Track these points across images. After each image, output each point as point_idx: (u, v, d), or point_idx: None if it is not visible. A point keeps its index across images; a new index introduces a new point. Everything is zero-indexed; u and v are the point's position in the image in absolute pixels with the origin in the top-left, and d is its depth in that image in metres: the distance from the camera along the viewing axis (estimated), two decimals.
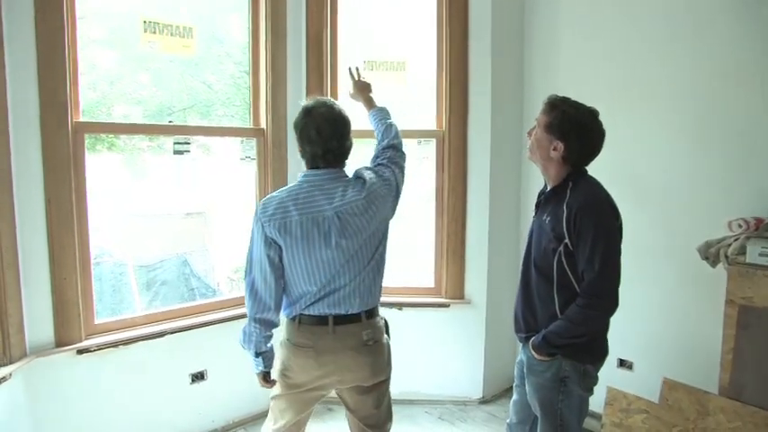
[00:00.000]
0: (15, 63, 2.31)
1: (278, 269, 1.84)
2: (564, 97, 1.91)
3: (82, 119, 2.57)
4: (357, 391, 1.96)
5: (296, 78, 3.21)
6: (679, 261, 2.77)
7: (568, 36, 3.20)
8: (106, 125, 2.97)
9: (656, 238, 2.88)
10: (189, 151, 2.89)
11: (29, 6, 2.33)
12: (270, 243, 1.82)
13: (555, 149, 1.86)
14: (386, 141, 2.09)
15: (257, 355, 1.91)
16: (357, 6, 3.43)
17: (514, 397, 2.16)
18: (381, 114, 2.20)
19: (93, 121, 2.80)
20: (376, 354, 1.92)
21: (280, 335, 1.97)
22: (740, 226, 2.39)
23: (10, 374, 2.29)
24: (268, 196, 1.89)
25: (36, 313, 2.45)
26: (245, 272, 1.90)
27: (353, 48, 3.35)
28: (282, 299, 1.90)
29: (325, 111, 1.84)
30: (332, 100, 1.92)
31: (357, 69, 2.38)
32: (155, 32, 2.71)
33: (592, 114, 1.87)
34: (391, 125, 2.14)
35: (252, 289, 1.87)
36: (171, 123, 2.97)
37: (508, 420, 2.23)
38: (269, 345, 1.94)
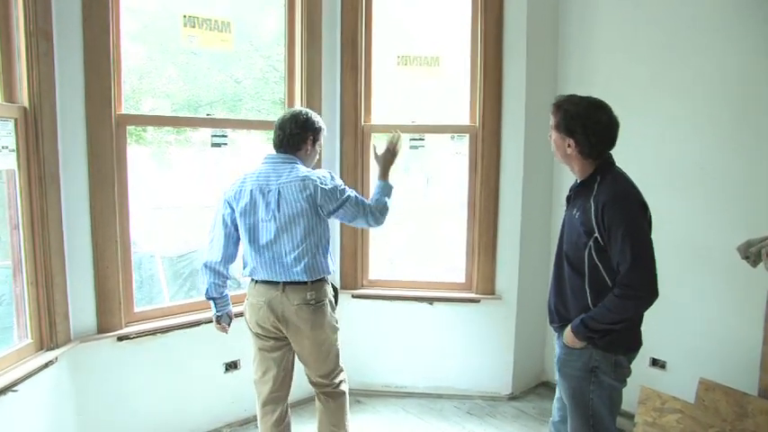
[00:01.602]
0: (63, 56, 2.37)
1: (227, 227, 2.32)
2: (568, 96, 1.95)
3: (124, 111, 2.62)
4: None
5: (330, 76, 3.24)
6: (718, 260, 2.73)
7: (603, 35, 3.16)
8: (148, 117, 3.02)
9: (695, 236, 2.85)
10: (226, 144, 2.94)
11: (77, 1, 2.38)
12: (226, 205, 2.31)
13: (569, 146, 1.91)
14: (372, 201, 2.37)
15: (208, 298, 2.40)
16: (391, 3, 3.44)
17: (557, 394, 2.16)
18: (386, 190, 2.42)
19: (135, 113, 2.84)
20: (317, 312, 2.27)
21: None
22: None
23: (56, 358, 2.37)
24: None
25: (80, 301, 2.53)
26: (209, 231, 2.40)
27: (388, 44, 3.36)
28: (229, 256, 2.36)
29: (293, 112, 2.35)
30: (308, 111, 2.36)
31: (399, 137, 2.49)
32: (194, 26, 2.76)
33: (593, 106, 1.90)
34: (386, 203, 2.39)
35: (209, 243, 2.37)
36: (209, 116, 3.00)
37: (551, 419, 2.24)
38: (221, 293, 2.40)
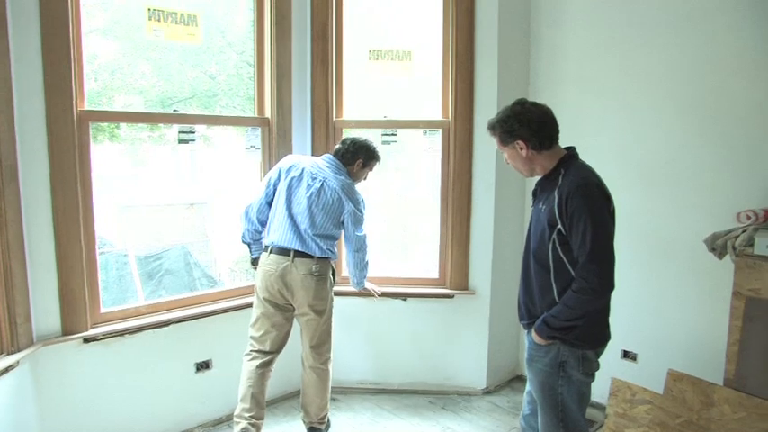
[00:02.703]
0: (20, 52, 2.29)
1: (268, 189, 2.74)
2: (494, 116, 2.01)
3: (86, 107, 2.56)
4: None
5: (301, 68, 3.19)
6: (685, 253, 2.77)
7: (574, 29, 3.18)
8: (111, 114, 2.94)
9: (662, 229, 2.89)
10: (194, 140, 2.88)
11: None
12: (278, 172, 2.74)
13: (521, 149, 1.94)
14: (362, 260, 2.88)
15: (244, 242, 2.87)
16: None
17: (527, 388, 2.17)
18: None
19: (98, 109, 2.77)
20: (319, 283, 2.65)
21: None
22: (749, 217, 2.39)
23: (17, 362, 2.30)
24: None
25: (43, 302, 2.46)
26: (254, 190, 2.85)
27: (359, 38, 3.33)
28: (263, 210, 2.75)
29: (361, 138, 2.82)
30: (371, 144, 2.82)
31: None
32: (159, 20, 2.69)
33: (517, 104, 1.96)
34: (366, 264, 2.91)
35: (253, 197, 2.79)
36: (176, 112, 2.94)
37: (522, 412, 2.24)
38: (255, 239, 2.83)
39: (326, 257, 2.68)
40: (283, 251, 2.63)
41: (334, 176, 2.70)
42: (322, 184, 2.67)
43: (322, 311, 2.70)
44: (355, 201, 2.72)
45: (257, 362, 2.68)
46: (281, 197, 2.69)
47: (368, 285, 3.00)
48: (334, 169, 2.73)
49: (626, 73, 2.96)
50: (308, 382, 2.79)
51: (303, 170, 2.70)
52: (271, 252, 2.66)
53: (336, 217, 2.69)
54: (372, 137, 2.96)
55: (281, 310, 2.70)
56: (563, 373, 1.92)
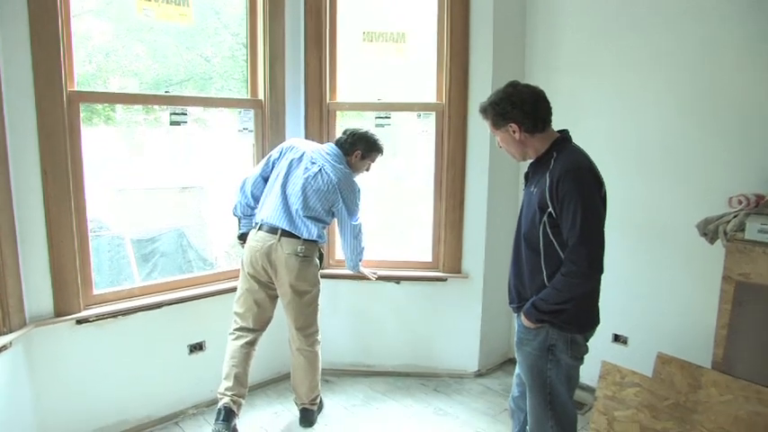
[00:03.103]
0: (7, 32, 2.26)
1: (267, 167, 2.80)
2: (486, 99, 1.98)
3: (77, 89, 2.53)
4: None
5: (294, 49, 3.16)
6: (677, 237, 2.78)
7: (569, 12, 3.15)
8: (101, 95, 2.92)
9: (654, 214, 2.89)
10: (186, 122, 2.86)
11: None
12: (279, 151, 2.79)
13: (514, 132, 1.92)
14: (358, 247, 2.91)
15: (235, 215, 2.90)
16: None
17: (517, 370, 2.18)
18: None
19: (88, 90, 2.75)
20: (303, 264, 2.67)
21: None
22: (740, 202, 2.39)
23: (10, 343, 2.31)
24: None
25: (35, 284, 2.46)
26: (254, 166, 2.96)
27: (353, 20, 3.29)
28: (258, 185, 2.79)
29: (367, 131, 2.84)
30: (376, 138, 2.84)
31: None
32: (149, 0, 2.65)
33: (510, 86, 1.94)
34: (361, 249, 2.94)
35: (252, 172, 2.84)
36: (167, 94, 2.91)
37: (511, 393, 2.27)
38: (246, 213, 2.84)
39: (314, 241, 2.70)
40: (272, 229, 2.66)
41: (333, 165, 2.72)
42: (320, 170, 2.70)
43: (302, 293, 2.71)
44: (350, 192, 2.75)
45: (241, 341, 2.74)
46: (279, 176, 2.72)
47: (363, 269, 3.01)
48: (334, 158, 2.75)
49: (622, 59, 2.94)
50: (296, 364, 2.83)
51: (304, 153, 2.73)
52: (259, 229, 2.70)
53: (328, 204, 2.72)
54: (366, 120, 2.95)
55: (264, 287, 2.74)
56: (552, 357, 1.94)
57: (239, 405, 2.71)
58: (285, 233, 2.65)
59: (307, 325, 2.78)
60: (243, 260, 2.76)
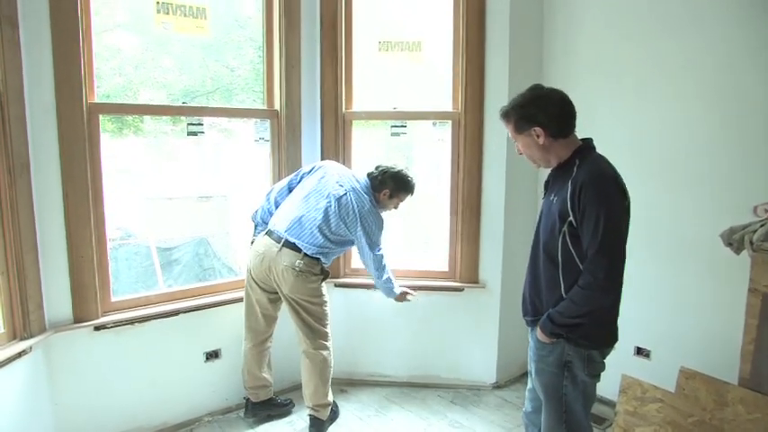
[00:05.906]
0: (31, 44, 2.34)
1: (293, 181, 2.87)
2: (507, 103, 1.93)
3: (97, 100, 2.60)
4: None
5: (310, 59, 3.18)
6: (702, 248, 2.67)
7: (588, 18, 3.08)
8: (120, 106, 2.99)
9: (678, 224, 2.79)
10: (203, 132, 2.90)
11: None
12: (311, 167, 2.86)
13: (538, 136, 1.84)
14: (385, 273, 2.92)
15: (253, 220, 2.94)
16: None
17: (529, 385, 2.12)
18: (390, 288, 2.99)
19: (108, 102, 2.82)
20: (299, 279, 2.66)
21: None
22: (766, 211, 2.29)
23: (30, 348, 2.37)
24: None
25: (54, 291, 2.52)
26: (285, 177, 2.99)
27: (369, 29, 3.30)
28: (282, 196, 2.85)
29: (400, 169, 2.85)
30: (408, 175, 2.87)
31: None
32: (168, 13, 2.72)
33: (533, 89, 1.90)
34: (387, 279, 2.94)
35: (280, 182, 2.92)
36: (184, 105, 2.97)
37: (524, 409, 2.21)
38: (265, 220, 2.86)
39: (316, 258, 2.70)
40: (277, 238, 2.69)
41: (358, 194, 2.75)
42: (345, 193, 2.73)
43: (300, 304, 2.73)
44: (371, 224, 2.76)
45: (249, 344, 2.88)
46: (303, 188, 2.78)
47: (398, 291, 2.98)
48: (363, 187, 2.79)
49: (645, 63, 2.85)
50: (302, 366, 2.85)
51: (334, 174, 2.79)
52: (267, 234, 2.75)
53: (346, 227, 2.73)
54: (381, 130, 2.95)
55: (264, 290, 2.79)
56: (568, 374, 1.87)
57: (257, 394, 2.93)
58: (288, 244, 2.66)
59: (310, 331, 2.78)
60: (247, 263, 2.82)
